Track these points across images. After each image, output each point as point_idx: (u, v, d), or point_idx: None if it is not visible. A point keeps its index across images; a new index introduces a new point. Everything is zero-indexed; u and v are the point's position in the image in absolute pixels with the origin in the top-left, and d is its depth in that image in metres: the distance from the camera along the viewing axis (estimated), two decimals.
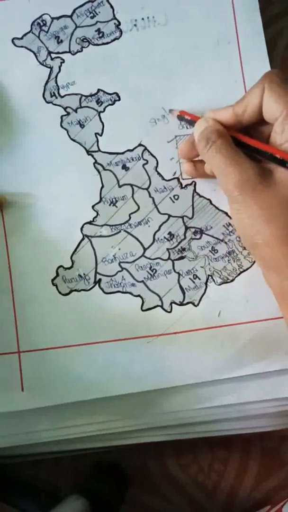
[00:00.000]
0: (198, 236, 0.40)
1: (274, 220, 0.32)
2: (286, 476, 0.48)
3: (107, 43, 0.41)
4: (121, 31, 0.41)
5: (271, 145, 0.35)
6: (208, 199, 0.40)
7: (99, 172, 0.40)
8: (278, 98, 0.33)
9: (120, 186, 0.40)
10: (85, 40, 0.41)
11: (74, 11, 0.41)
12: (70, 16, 0.41)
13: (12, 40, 0.41)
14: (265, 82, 0.33)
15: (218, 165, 0.34)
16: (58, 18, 0.41)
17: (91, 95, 0.40)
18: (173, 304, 0.40)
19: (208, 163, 0.36)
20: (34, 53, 0.41)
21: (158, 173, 0.40)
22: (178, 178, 0.40)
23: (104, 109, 0.40)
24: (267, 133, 0.35)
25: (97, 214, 0.40)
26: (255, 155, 0.34)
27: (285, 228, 0.32)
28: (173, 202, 0.40)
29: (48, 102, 0.40)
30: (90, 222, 0.40)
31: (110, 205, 0.40)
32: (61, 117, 0.40)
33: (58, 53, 0.41)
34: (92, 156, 0.40)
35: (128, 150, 0.40)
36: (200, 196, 0.40)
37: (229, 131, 0.35)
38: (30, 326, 0.39)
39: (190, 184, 0.40)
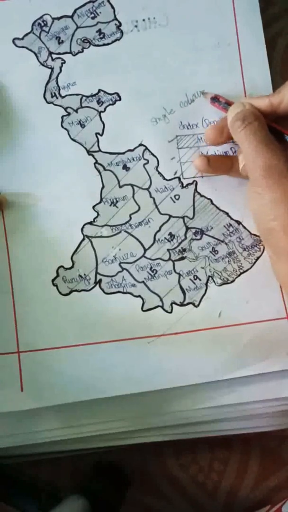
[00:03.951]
0: (198, 237, 0.40)
1: None
2: (286, 476, 0.48)
3: (108, 43, 0.41)
4: (122, 32, 0.41)
5: None
6: (209, 199, 0.40)
7: (99, 172, 0.40)
8: None
9: (120, 186, 0.40)
10: (86, 40, 0.41)
11: (75, 11, 0.41)
12: (71, 17, 0.41)
13: (13, 40, 0.41)
14: None
15: (250, 146, 0.34)
16: (59, 18, 0.41)
17: (91, 95, 0.40)
18: (173, 305, 0.40)
19: (240, 143, 0.36)
20: (35, 54, 0.41)
21: (159, 173, 0.40)
22: (179, 178, 0.40)
23: (105, 109, 0.40)
24: None
25: (98, 214, 0.40)
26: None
27: None
28: (174, 202, 0.40)
29: (48, 103, 0.41)
30: (90, 223, 0.40)
31: (110, 205, 0.40)
32: (62, 117, 0.40)
33: (59, 53, 0.41)
34: (93, 156, 0.40)
35: (129, 150, 0.40)
36: (201, 196, 0.40)
37: (267, 119, 0.36)
38: (30, 326, 0.39)
39: (191, 183, 0.40)
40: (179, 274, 0.40)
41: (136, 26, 0.41)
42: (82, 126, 0.40)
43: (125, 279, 0.40)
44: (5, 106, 0.40)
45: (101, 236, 0.40)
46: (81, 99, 0.40)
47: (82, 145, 0.40)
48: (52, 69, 0.41)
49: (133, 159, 0.40)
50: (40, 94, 0.41)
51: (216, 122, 0.40)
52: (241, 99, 0.37)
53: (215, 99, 0.39)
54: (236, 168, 0.39)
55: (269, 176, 0.33)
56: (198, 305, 0.40)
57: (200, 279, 0.40)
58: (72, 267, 0.40)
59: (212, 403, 0.40)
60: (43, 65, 0.41)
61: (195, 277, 0.40)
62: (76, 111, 0.40)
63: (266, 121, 0.36)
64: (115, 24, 0.41)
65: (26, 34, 0.41)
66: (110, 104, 0.40)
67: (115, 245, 0.40)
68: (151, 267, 0.40)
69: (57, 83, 0.41)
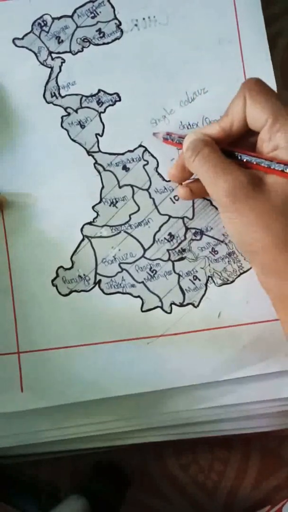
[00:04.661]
0: (198, 237, 0.40)
1: (271, 226, 0.32)
2: (286, 476, 0.48)
3: (108, 43, 0.41)
4: (122, 31, 0.41)
5: (258, 153, 0.34)
6: (209, 200, 0.40)
7: (99, 173, 0.40)
8: (260, 107, 0.32)
9: (120, 187, 0.40)
10: (85, 40, 0.41)
11: (75, 11, 0.40)
12: (71, 16, 0.40)
13: (13, 40, 0.40)
14: (246, 92, 0.33)
15: (207, 174, 0.33)
16: (58, 18, 0.40)
17: (91, 96, 0.40)
18: (173, 305, 0.40)
19: (196, 173, 0.35)
20: (35, 53, 0.41)
21: (159, 174, 0.40)
22: None
23: (105, 110, 0.40)
24: (254, 141, 0.35)
25: (97, 214, 0.40)
26: (248, 166, 0.34)
27: (282, 233, 0.31)
28: (174, 202, 0.40)
29: (48, 103, 0.40)
30: (90, 223, 0.40)
31: (110, 205, 0.40)
32: (62, 117, 0.40)
33: (58, 53, 0.41)
34: (93, 156, 0.40)
35: (129, 151, 0.40)
36: None
37: (219, 146, 0.35)
38: (30, 327, 0.39)
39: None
40: (179, 275, 0.40)
41: (136, 25, 0.41)
42: (82, 126, 0.40)
43: (124, 280, 0.40)
44: (5, 106, 0.40)
45: (100, 237, 0.40)
46: (81, 99, 0.40)
47: (82, 146, 0.40)
48: (52, 68, 0.40)
49: (133, 160, 0.40)
50: (40, 94, 0.40)
51: (175, 161, 0.39)
52: (193, 132, 0.36)
53: (168, 136, 0.38)
54: None
55: (235, 200, 0.32)
56: (198, 305, 0.39)
57: (199, 280, 0.40)
58: (71, 267, 0.40)
59: (212, 403, 0.40)
60: (43, 64, 0.40)
61: (195, 277, 0.40)
62: (76, 111, 0.40)
63: (223, 147, 0.34)
64: (115, 23, 0.41)
65: (26, 34, 0.41)
66: (110, 105, 0.40)
67: (115, 245, 0.40)
68: (150, 268, 0.40)
69: (56, 82, 0.40)
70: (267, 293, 0.35)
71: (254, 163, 0.33)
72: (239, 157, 0.34)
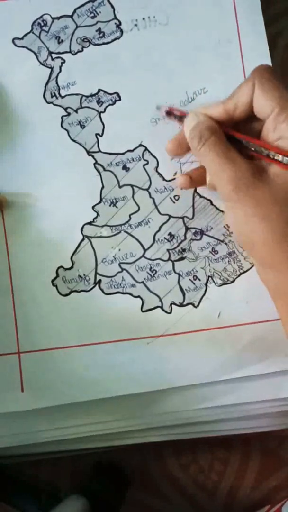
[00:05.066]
0: (198, 237, 0.40)
1: (270, 218, 0.31)
2: (286, 476, 0.48)
3: (108, 43, 0.41)
4: (121, 31, 0.41)
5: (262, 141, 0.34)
6: (209, 200, 0.40)
7: (99, 173, 0.40)
8: (269, 95, 0.32)
9: (120, 187, 0.40)
10: (85, 40, 0.41)
11: (74, 11, 0.40)
12: (71, 16, 0.40)
13: (13, 40, 0.40)
14: (255, 78, 0.32)
15: (211, 163, 0.33)
16: (58, 18, 0.40)
17: (91, 95, 0.40)
18: (173, 305, 0.40)
19: (201, 161, 0.35)
20: (35, 53, 0.40)
21: (159, 174, 0.40)
22: None
23: (105, 110, 0.40)
24: (258, 129, 0.34)
25: (97, 214, 0.40)
26: (249, 152, 0.34)
27: (282, 226, 0.31)
28: (174, 202, 0.40)
29: (48, 103, 0.40)
30: (90, 223, 0.40)
31: (110, 205, 0.40)
32: (62, 117, 0.40)
33: (58, 53, 0.41)
34: (93, 156, 0.40)
35: (129, 151, 0.40)
36: (201, 197, 0.40)
37: (225, 127, 0.34)
38: (30, 327, 0.39)
39: (190, 188, 0.40)
40: (179, 275, 0.40)
41: (136, 25, 0.41)
42: (82, 126, 0.40)
43: (124, 280, 0.40)
44: (5, 106, 0.40)
45: (100, 236, 0.40)
46: (81, 99, 0.40)
47: (82, 146, 0.40)
48: (52, 68, 0.40)
49: (133, 160, 0.40)
50: (40, 94, 0.40)
51: (174, 135, 0.38)
52: (195, 109, 0.36)
53: (169, 112, 0.38)
54: None
55: (238, 189, 0.32)
56: (198, 305, 0.39)
57: (199, 280, 0.40)
58: (71, 267, 0.40)
59: (212, 403, 0.40)
60: (43, 64, 0.40)
61: (195, 277, 0.40)
62: (76, 111, 0.40)
63: (225, 130, 0.34)
64: (115, 23, 0.41)
65: (26, 34, 0.41)
66: (110, 105, 0.40)
67: (115, 245, 0.40)
68: (150, 268, 0.40)
69: (56, 82, 0.40)
70: (265, 285, 0.35)
71: (253, 149, 0.33)
72: (242, 142, 0.34)
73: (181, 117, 0.37)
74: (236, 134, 0.34)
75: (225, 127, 0.35)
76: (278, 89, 0.32)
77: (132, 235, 0.40)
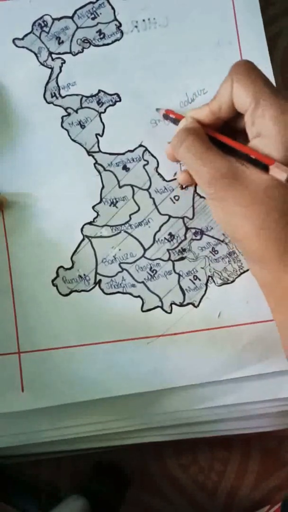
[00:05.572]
0: (198, 237, 0.40)
1: (249, 214, 0.32)
2: (286, 476, 0.48)
3: (108, 44, 0.41)
4: (122, 32, 0.41)
5: (243, 138, 0.34)
6: None
7: (99, 173, 0.40)
8: (245, 90, 0.32)
9: (120, 187, 0.40)
10: (86, 41, 0.41)
11: (75, 12, 0.41)
12: (71, 17, 0.41)
13: (13, 40, 0.41)
14: (233, 74, 0.33)
15: (189, 164, 0.34)
16: (59, 19, 0.41)
17: (91, 96, 0.40)
18: (173, 305, 0.40)
19: (183, 163, 0.35)
20: (35, 54, 0.41)
21: (159, 174, 0.40)
22: None
23: (105, 110, 0.40)
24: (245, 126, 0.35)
25: (98, 214, 0.40)
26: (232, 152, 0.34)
27: (261, 222, 0.31)
28: (174, 202, 0.40)
29: (48, 103, 0.40)
30: (90, 223, 0.40)
31: (110, 205, 0.40)
32: (62, 117, 0.40)
33: (59, 53, 0.41)
34: (93, 156, 0.40)
35: (129, 151, 0.40)
36: (201, 197, 0.40)
37: (208, 129, 0.35)
38: (30, 327, 0.39)
39: (191, 184, 0.40)
40: (179, 274, 0.40)
41: (136, 26, 0.41)
42: (82, 127, 0.40)
43: (124, 279, 0.40)
44: (5, 106, 0.40)
45: (101, 236, 0.40)
46: (81, 100, 0.40)
47: (82, 146, 0.40)
48: (52, 69, 0.41)
49: (133, 160, 0.40)
50: (40, 94, 0.41)
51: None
52: (187, 113, 0.36)
53: (166, 115, 0.38)
54: None
55: (219, 188, 0.32)
56: (198, 305, 0.40)
57: (200, 279, 0.40)
58: (72, 267, 0.40)
59: (212, 403, 0.40)
60: (43, 65, 0.41)
61: (195, 277, 0.40)
62: (76, 111, 0.40)
63: (207, 131, 0.34)
64: (115, 25, 0.41)
65: (26, 34, 0.41)
66: (110, 105, 0.40)
67: (115, 245, 0.40)
68: (150, 267, 0.40)
69: (57, 83, 0.41)
70: (254, 278, 0.35)
71: (234, 150, 0.33)
72: (226, 148, 0.34)
73: (177, 120, 0.37)
74: (216, 135, 0.35)
75: (208, 128, 0.35)
76: (255, 84, 0.32)
77: (132, 235, 0.40)
